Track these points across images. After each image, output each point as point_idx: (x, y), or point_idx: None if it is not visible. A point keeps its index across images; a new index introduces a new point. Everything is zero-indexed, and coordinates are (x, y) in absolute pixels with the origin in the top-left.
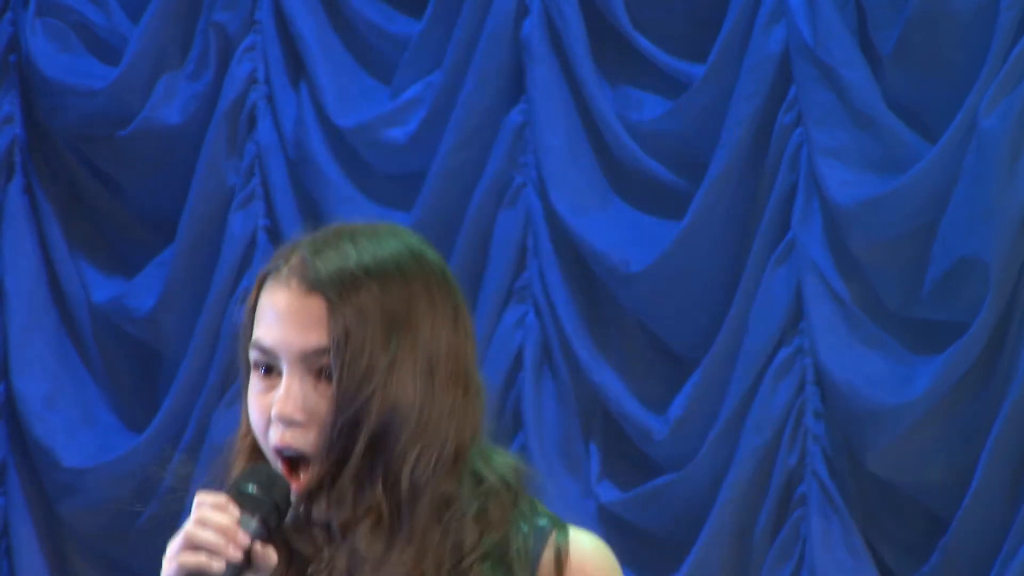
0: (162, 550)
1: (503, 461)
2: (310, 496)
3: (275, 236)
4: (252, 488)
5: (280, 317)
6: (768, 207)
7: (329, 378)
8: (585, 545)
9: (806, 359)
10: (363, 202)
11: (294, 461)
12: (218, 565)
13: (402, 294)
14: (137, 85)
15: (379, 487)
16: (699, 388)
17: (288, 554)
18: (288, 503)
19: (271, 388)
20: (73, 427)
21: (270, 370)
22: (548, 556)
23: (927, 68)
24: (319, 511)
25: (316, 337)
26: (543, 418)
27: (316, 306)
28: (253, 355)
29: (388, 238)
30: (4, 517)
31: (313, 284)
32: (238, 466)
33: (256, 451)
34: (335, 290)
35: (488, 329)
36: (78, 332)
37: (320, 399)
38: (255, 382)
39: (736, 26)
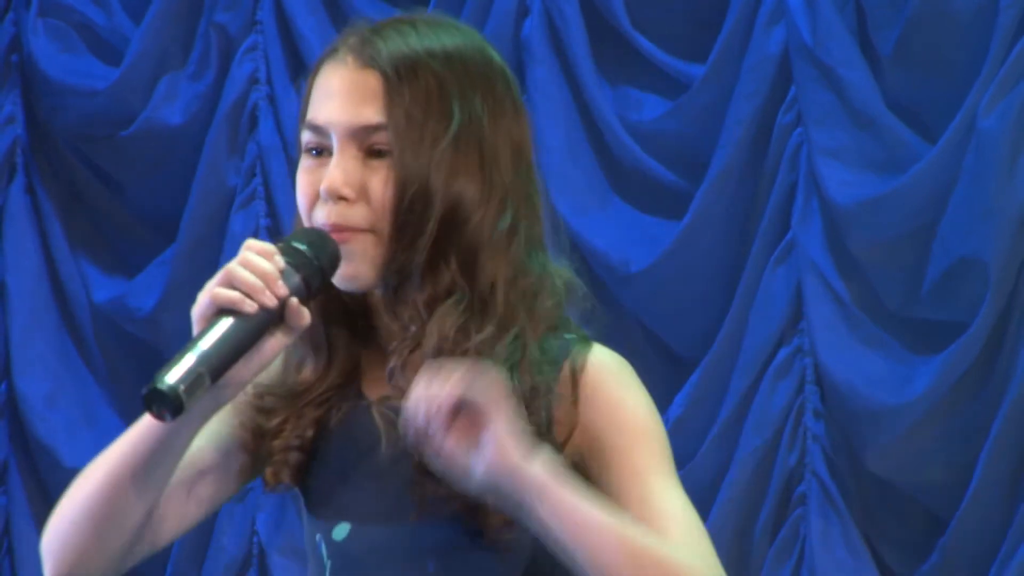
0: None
1: (559, 271)
2: (379, 270)
3: (276, 236)
4: (302, 246)
5: (333, 93)
6: (768, 207)
7: (380, 155)
8: (603, 356)
9: (806, 359)
10: None
11: (353, 244)
12: (250, 306)
13: (464, 81)
14: (138, 85)
15: (456, 270)
16: (699, 388)
17: (355, 330)
18: (334, 271)
19: (320, 167)
20: (74, 426)
21: (321, 151)
22: (567, 367)
23: (927, 68)
24: (396, 288)
25: (370, 112)
26: None
27: (372, 81)
28: (305, 137)
29: (451, 29)
30: (6, 516)
31: (370, 60)
32: None
33: None
34: (393, 67)
35: None
36: (79, 332)
37: (371, 175)
38: (304, 161)
39: (736, 26)
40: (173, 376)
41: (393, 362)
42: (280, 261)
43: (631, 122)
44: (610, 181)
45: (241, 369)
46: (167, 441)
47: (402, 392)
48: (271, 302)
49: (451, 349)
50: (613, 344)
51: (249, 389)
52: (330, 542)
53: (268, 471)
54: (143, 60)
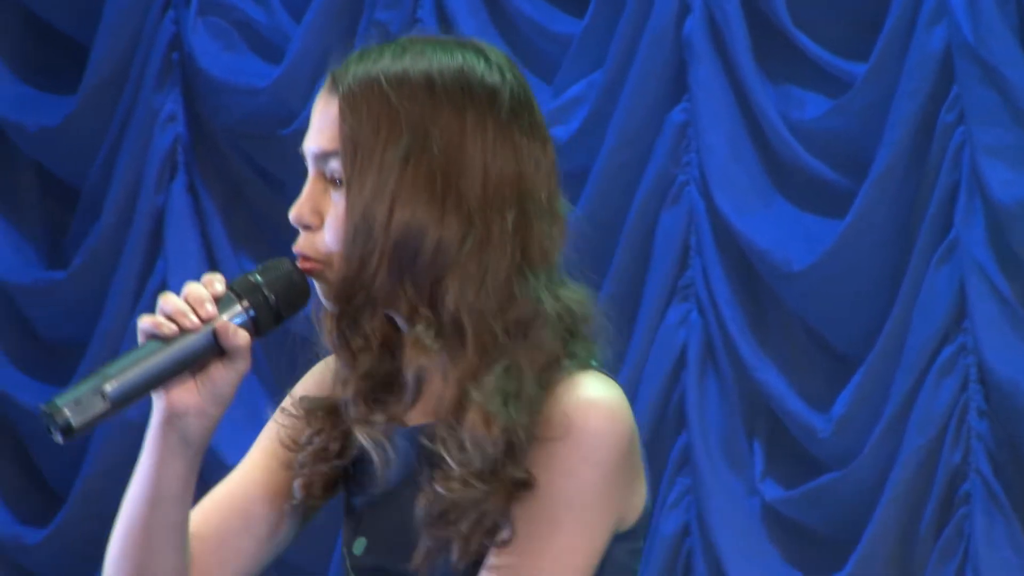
0: None
1: (570, 295)
2: (338, 298)
3: None
4: (256, 277)
5: (312, 119)
6: (930, 206)
7: (338, 184)
8: (581, 404)
9: (969, 357)
10: None
11: (317, 273)
12: (168, 328)
13: (422, 108)
14: (299, 83)
15: (414, 297)
16: (862, 386)
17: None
18: (293, 303)
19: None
20: (236, 425)
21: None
22: (552, 402)
23: None
24: (349, 323)
25: (327, 139)
26: (706, 416)
27: (333, 108)
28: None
29: (440, 53)
30: None
31: (335, 86)
32: None
33: None
34: (349, 94)
35: (651, 327)
36: None
37: (328, 204)
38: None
39: (897, 25)
40: (65, 397)
41: (350, 391)
42: (219, 287)
43: (793, 121)
44: (772, 179)
45: (192, 395)
46: (155, 484)
47: (392, 418)
48: (190, 324)
49: (439, 383)
50: (776, 341)
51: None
52: (351, 555)
53: (297, 483)
54: (304, 58)
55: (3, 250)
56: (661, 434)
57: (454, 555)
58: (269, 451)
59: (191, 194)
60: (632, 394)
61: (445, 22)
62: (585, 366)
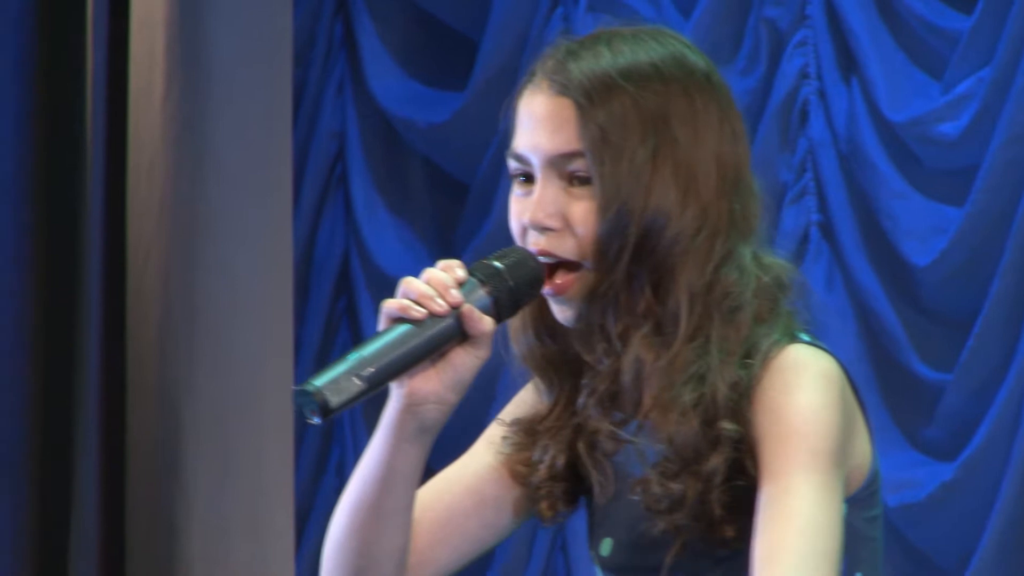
0: None
1: (775, 262)
2: (585, 302)
3: (827, 231)
4: (496, 260)
5: (532, 122)
6: None
7: (581, 182)
8: (787, 358)
9: None
10: (914, 196)
11: (552, 266)
12: (418, 312)
13: (660, 98)
14: None
15: (649, 293)
16: None
17: (562, 362)
18: (530, 291)
19: (526, 195)
20: None
21: (528, 178)
22: (759, 368)
23: None
24: (593, 318)
25: (565, 140)
26: None
27: (566, 109)
28: (511, 164)
29: (648, 41)
30: None
31: (563, 87)
32: None
33: None
34: (585, 93)
35: None
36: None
37: (572, 203)
38: (514, 189)
39: None
40: (322, 378)
41: (583, 397)
42: (460, 273)
43: None
44: None
45: (433, 383)
46: (389, 467)
47: (614, 421)
48: (439, 308)
49: (647, 373)
50: None
51: (502, 425)
52: (599, 557)
53: (542, 505)
54: None
55: (393, 246)
56: None
57: (698, 544)
58: (481, 472)
59: None
60: (1020, 392)
61: (834, 18)
62: (793, 336)
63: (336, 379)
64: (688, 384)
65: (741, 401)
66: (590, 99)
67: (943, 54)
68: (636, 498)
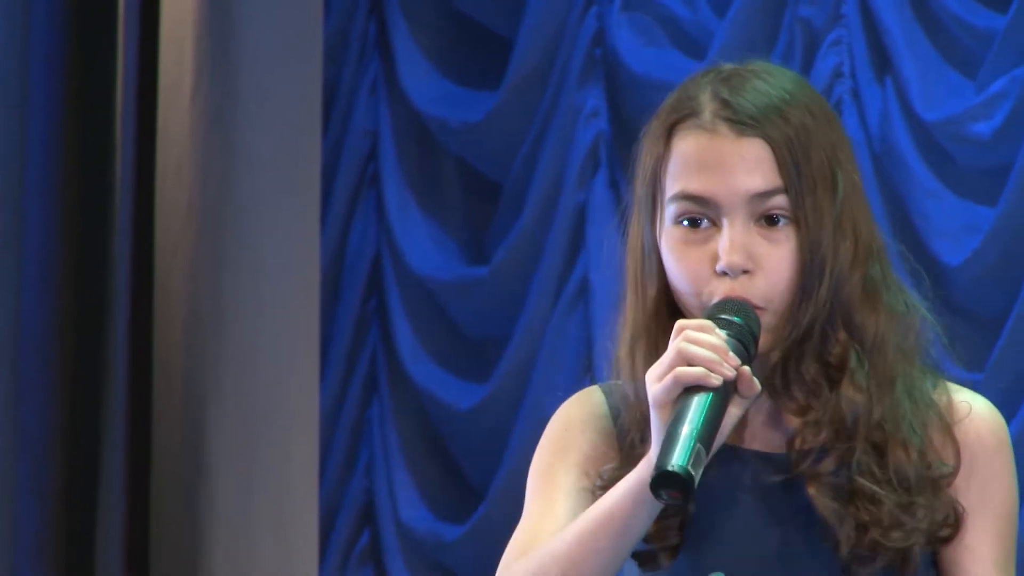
0: None
1: (916, 304)
2: (785, 356)
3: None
4: (729, 315)
5: (714, 163)
6: None
7: (774, 222)
8: (984, 409)
9: None
10: (947, 196)
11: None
12: (716, 380)
13: (829, 133)
14: None
15: (844, 336)
16: None
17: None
18: (759, 334)
19: (703, 240)
20: None
21: (696, 222)
22: (942, 400)
23: None
24: (793, 371)
25: (762, 179)
26: None
27: (755, 147)
28: (676, 208)
29: (777, 72)
30: None
31: (745, 124)
32: (646, 344)
33: (661, 321)
34: (771, 126)
35: None
36: None
37: (769, 246)
38: (679, 235)
39: None
40: (679, 457)
41: (798, 434)
42: (721, 334)
43: None
44: None
45: None
46: (625, 524)
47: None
48: (730, 373)
49: (864, 419)
50: None
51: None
52: None
53: (643, 555)
54: (727, 54)
55: (425, 246)
56: None
57: None
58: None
59: (613, 190)
60: None
61: (869, 17)
62: (933, 372)
63: (693, 455)
64: (904, 421)
65: (927, 437)
66: (777, 132)
67: (977, 53)
68: (766, 532)
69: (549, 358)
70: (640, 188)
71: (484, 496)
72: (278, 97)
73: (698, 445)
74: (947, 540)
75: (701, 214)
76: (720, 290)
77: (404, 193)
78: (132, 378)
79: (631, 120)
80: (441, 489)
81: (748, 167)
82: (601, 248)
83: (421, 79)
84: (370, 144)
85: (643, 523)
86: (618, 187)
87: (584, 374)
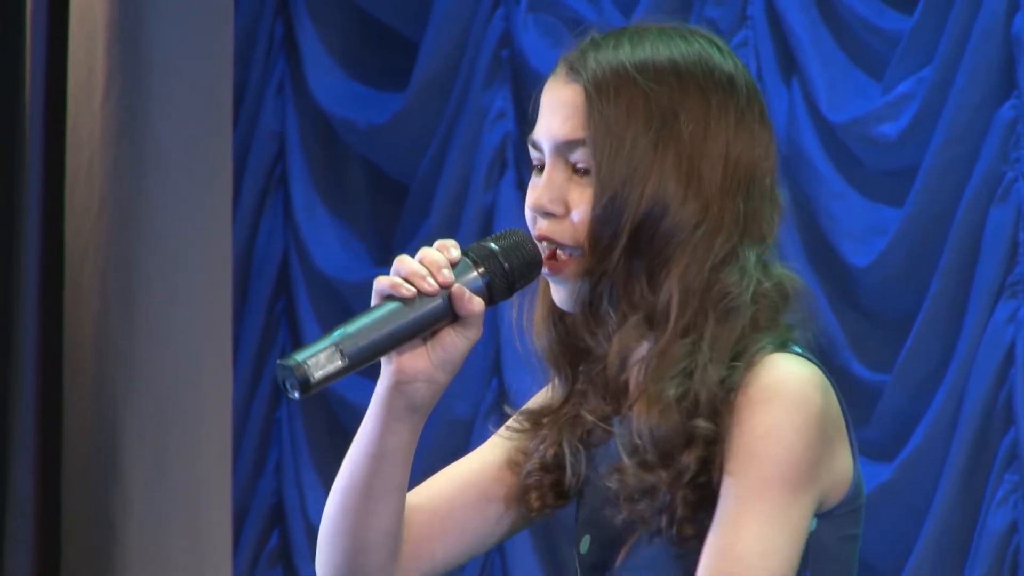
0: None
1: (783, 273)
2: (582, 285)
3: None
4: (492, 244)
5: (547, 109)
6: None
7: (584, 172)
8: (769, 370)
9: None
10: (854, 197)
11: (553, 251)
12: (407, 290)
13: (672, 93)
14: None
15: (644, 283)
16: None
17: (573, 353)
18: (526, 274)
19: (537, 185)
20: None
21: (541, 169)
22: (758, 368)
23: None
24: (590, 304)
25: (571, 127)
26: None
27: (577, 97)
28: (531, 154)
29: (675, 38)
30: None
31: (577, 75)
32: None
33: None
34: (596, 83)
35: (979, 324)
36: None
37: (574, 190)
38: (532, 178)
39: None
40: (304, 353)
41: (580, 383)
42: (455, 253)
43: None
44: None
45: (422, 361)
46: (379, 446)
47: (606, 411)
48: (429, 288)
49: (631, 361)
50: None
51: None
52: (578, 555)
53: (531, 496)
54: None
55: (332, 248)
56: (988, 431)
57: (657, 540)
58: (504, 443)
59: (520, 191)
60: (960, 391)
61: (775, 19)
62: (784, 345)
63: (318, 354)
64: (675, 379)
65: (722, 402)
66: (600, 89)
67: (883, 55)
68: (612, 488)
69: None
70: None
71: None
72: (189, 99)
73: (332, 346)
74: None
75: (541, 160)
76: (533, 228)
77: (311, 194)
78: (42, 379)
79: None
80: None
81: (564, 115)
82: None
83: (328, 80)
84: (278, 145)
85: (383, 433)
86: (525, 188)
87: (492, 375)
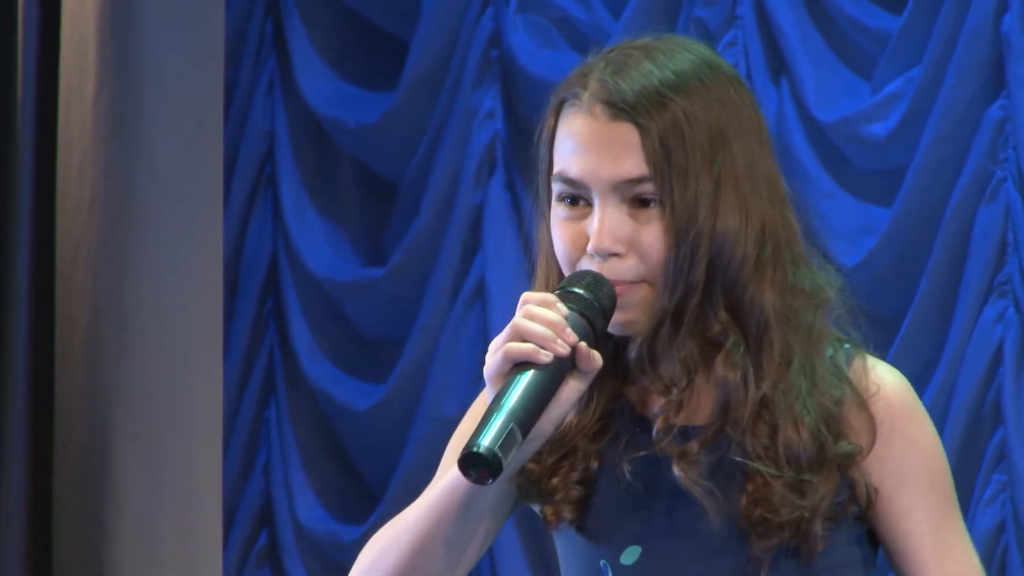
0: None
1: (829, 278)
2: (648, 319)
3: None
4: (579, 289)
5: (586, 147)
6: None
7: (645, 204)
8: (892, 378)
9: None
10: (843, 196)
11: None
12: (545, 356)
13: (719, 115)
14: None
15: (724, 315)
16: None
17: (608, 376)
18: (612, 309)
19: (580, 218)
20: None
21: (576, 201)
22: (852, 377)
23: None
24: (663, 347)
25: (632, 165)
26: (1023, 412)
27: (626, 132)
28: (557, 187)
29: (681, 51)
30: None
31: (621, 111)
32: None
33: (560, 278)
34: (646, 114)
35: (968, 324)
36: None
37: (639, 228)
38: (560, 212)
39: None
40: (488, 438)
41: (662, 411)
42: (563, 308)
43: None
44: None
45: (543, 421)
46: (471, 502)
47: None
48: (563, 350)
49: (741, 397)
50: None
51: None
52: (618, 566)
53: (548, 511)
54: None
55: (321, 247)
56: (976, 431)
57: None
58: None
59: (509, 191)
60: (948, 390)
61: (764, 18)
62: (854, 347)
63: (503, 436)
64: (798, 400)
65: (835, 417)
66: (649, 119)
67: (872, 54)
68: (681, 509)
69: (446, 359)
70: (541, 163)
71: (382, 497)
72: (180, 99)
73: (512, 425)
74: (860, 516)
75: (577, 194)
76: (590, 267)
77: (301, 194)
78: (34, 379)
79: (527, 121)
80: (339, 490)
81: (617, 152)
82: (498, 249)
83: (317, 80)
84: (267, 145)
85: (470, 501)
86: (514, 188)
87: (481, 374)
